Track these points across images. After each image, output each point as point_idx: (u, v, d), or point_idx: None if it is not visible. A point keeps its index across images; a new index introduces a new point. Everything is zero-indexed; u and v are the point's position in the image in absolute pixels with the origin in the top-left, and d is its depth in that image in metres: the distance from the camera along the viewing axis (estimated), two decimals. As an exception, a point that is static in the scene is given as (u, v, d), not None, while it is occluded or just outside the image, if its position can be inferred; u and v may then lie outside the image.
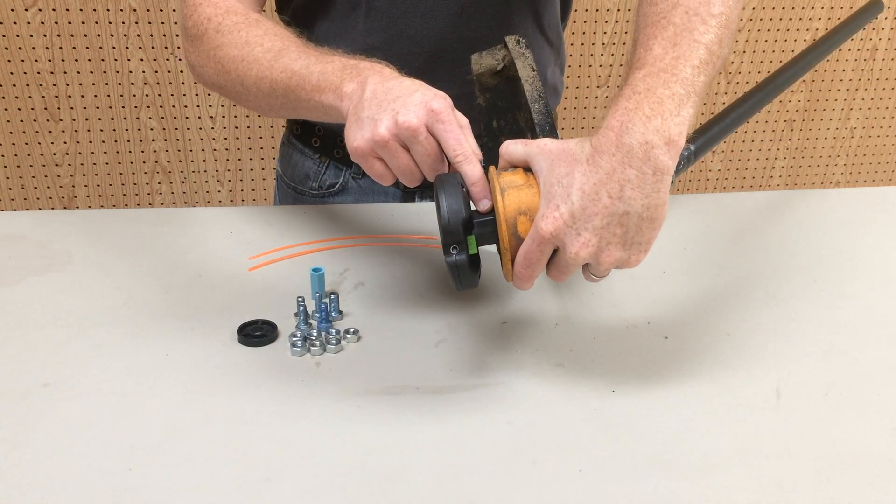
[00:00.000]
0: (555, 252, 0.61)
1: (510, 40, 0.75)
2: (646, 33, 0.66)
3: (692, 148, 0.70)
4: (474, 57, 0.77)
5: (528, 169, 0.63)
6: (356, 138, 0.66)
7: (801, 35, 2.29)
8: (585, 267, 0.63)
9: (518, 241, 0.61)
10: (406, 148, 0.66)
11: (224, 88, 0.84)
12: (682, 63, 0.62)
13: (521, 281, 0.63)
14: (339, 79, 0.70)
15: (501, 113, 0.80)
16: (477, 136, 0.89)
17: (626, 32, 2.19)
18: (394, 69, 0.71)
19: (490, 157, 0.82)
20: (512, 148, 0.64)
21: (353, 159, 0.68)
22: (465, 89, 0.98)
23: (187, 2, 0.88)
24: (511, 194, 0.61)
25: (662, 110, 0.59)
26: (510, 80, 0.77)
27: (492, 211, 0.64)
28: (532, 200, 0.61)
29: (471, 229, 0.63)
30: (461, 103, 1.00)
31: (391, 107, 0.65)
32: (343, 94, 0.69)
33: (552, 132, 0.69)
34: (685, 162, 0.69)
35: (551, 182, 0.60)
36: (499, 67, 0.76)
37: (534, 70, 0.72)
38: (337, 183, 1.04)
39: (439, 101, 0.65)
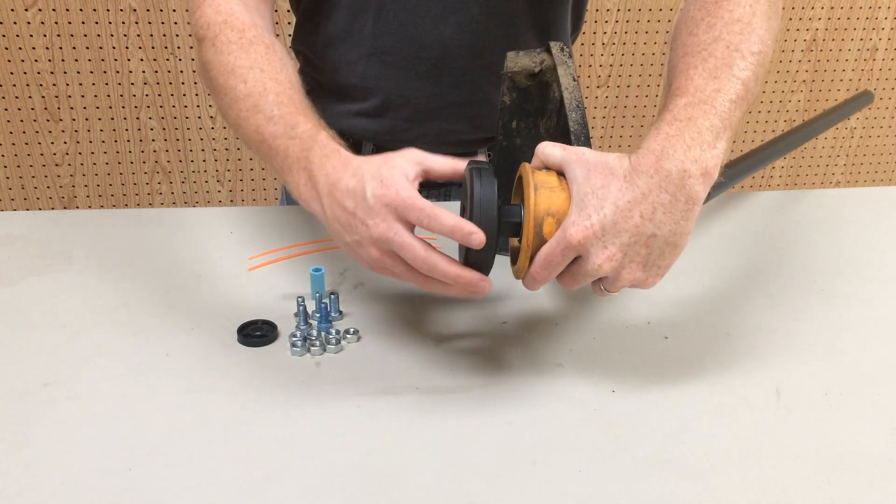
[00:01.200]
0: (574, 260, 0.62)
1: (555, 47, 0.75)
2: (685, 62, 0.66)
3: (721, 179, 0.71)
4: (510, 54, 0.77)
5: (560, 173, 0.63)
6: (358, 259, 0.65)
7: (801, 35, 2.28)
8: (598, 280, 0.63)
9: (541, 241, 0.61)
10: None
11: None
12: (722, 97, 0.63)
13: (534, 282, 0.63)
14: (296, 174, 0.68)
15: (524, 116, 0.80)
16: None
17: (626, 32, 2.19)
18: (338, 145, 0.67)
19: (502, 154, 0.82)
20: (549, 150, 0.64)
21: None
22: (470, 96, 0.99)
23: None
24: (543, 194, 0.61)
25: (702, 141, 0.60)
26: (543, 85, 0.77)
27: (520, 206, 0.64)
28: (562, 205, 0.61)
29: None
30: (466, 110, 1.00)
31: (357, 231, 0.63)
32: (300, 194, 0.68)
33: (587, 143, 0.69)
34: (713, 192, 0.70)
35: (585, 191, 0.60)
36: (536, 70, 0.76)
37: (575, 80, 0.72)
38: None
39: (389, 196, 0.61)
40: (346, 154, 0.66)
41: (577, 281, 0.63)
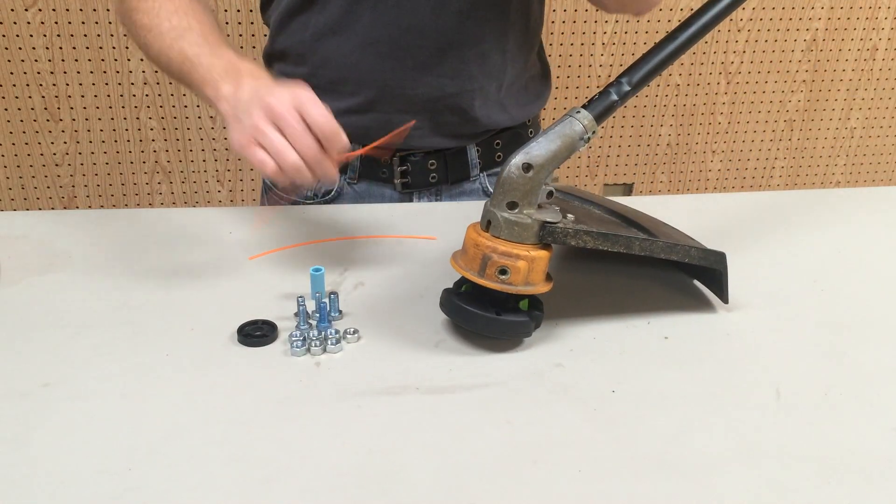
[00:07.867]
0: None
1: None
2: None
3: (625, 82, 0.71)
4: None
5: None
6: (235, 132, 0.74)
7: (801, 35, 2.29)
8: None
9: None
10: (280, 132, 0.72)
11: (136, 44, 0.93)
12: None
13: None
14: (220, 78, 0.78)
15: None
16: None
17: (626, 32, 2.19)
18: (270, 77, 0.78)
19: None
20: None
21: (237, 153, 0.75)
22: (468, 85, 0.98)
23: None
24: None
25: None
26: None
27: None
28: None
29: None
30: (465, 99, 1.00)
31: (263, 100, 0.72)
32: (220, 95, 0.77)
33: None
34: (621, 99, 0.70)
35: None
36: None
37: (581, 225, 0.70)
38: (332, 190, 1.04)
39: (304, 90, 0.73)
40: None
41: None
